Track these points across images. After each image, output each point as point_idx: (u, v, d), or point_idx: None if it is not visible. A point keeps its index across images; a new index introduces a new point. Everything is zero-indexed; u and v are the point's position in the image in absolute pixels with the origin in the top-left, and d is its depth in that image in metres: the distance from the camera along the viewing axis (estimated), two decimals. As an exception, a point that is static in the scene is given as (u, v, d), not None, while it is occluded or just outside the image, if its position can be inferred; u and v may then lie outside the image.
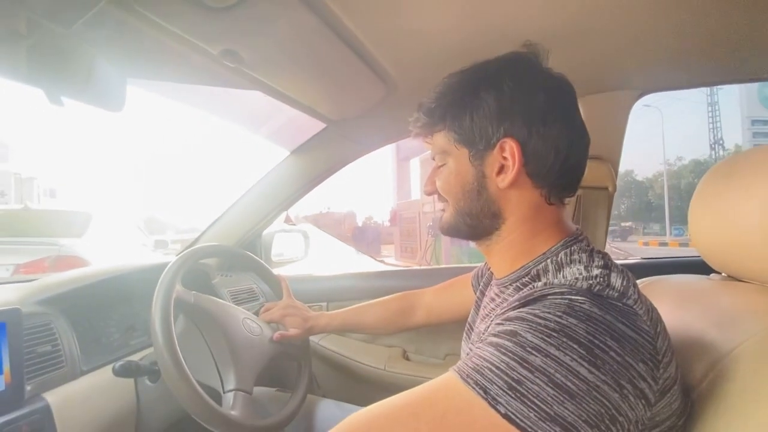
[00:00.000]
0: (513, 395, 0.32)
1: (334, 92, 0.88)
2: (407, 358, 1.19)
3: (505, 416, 0.32)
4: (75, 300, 0.79)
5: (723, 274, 0.57)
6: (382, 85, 0.84)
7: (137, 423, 0.78)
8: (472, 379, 0.34)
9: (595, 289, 0.38)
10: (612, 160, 1.02)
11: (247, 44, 0.64)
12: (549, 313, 0.36)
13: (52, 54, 0.51)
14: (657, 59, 0.81)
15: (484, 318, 0.54)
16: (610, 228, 1.11)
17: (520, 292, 0.43)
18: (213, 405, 0.63)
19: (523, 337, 0.35)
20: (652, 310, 0.40)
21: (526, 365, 0.33)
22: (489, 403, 0.33)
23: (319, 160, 1.17)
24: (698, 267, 0.62)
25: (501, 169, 0.47)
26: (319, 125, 1.08)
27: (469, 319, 0.63)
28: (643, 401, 0.34)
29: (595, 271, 0.41)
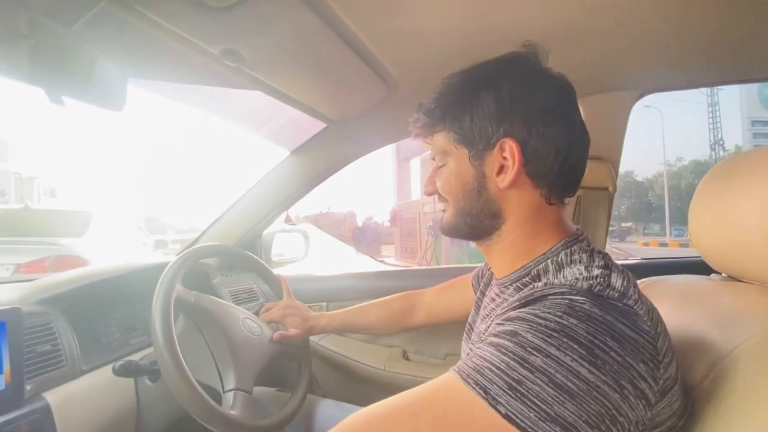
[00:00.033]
0: (513, 395, 0.32)
1: (335, 92, 0.88)
2: (407, 358, 1.19)
3: (506, 416, 0.32)
4: (75, 300, 0.79)
5: (723, 274, 0.57)
6: (383, 85, 0.84)
7: (137, 423, 0.78)
8: (472, 379, 0.34)
9: (596, 290, 0.38)
10: (612, 161, 1.02)
11: (247, 44, 0.65)
12: (549, 313, 0.36)
13: (53, 53, 0.51)
14: (657, 60, 0.81)
15: (485, 318, 0.54)
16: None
17: (521, 292, 0.43)
18: (213, 405, 0.63)
19: (523, 337, 0.35)
20: (652, 311, 0.40)
21: (527, 365, 0.33)
22: (489, 403, 0.33)
23: (320, 160, 1.17)
24: (698, 267, 0.62)
25: (501, 169, 0.47)
26: (319, 125, 1.08)
27: (469, 320, 0.63)
28: (643, 401, 0.34)
29: (596, 272, 0.41)
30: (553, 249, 0.47)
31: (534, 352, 0.33)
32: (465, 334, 0.62)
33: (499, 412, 0.32)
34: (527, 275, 0.47)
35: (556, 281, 0.42)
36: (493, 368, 0.34)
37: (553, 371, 0.32)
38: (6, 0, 0.45)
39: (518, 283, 0.48)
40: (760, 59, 0.82)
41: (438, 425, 0.34)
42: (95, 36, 0.56)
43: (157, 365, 0.68)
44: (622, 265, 0.43)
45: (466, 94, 0.48)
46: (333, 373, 1.24)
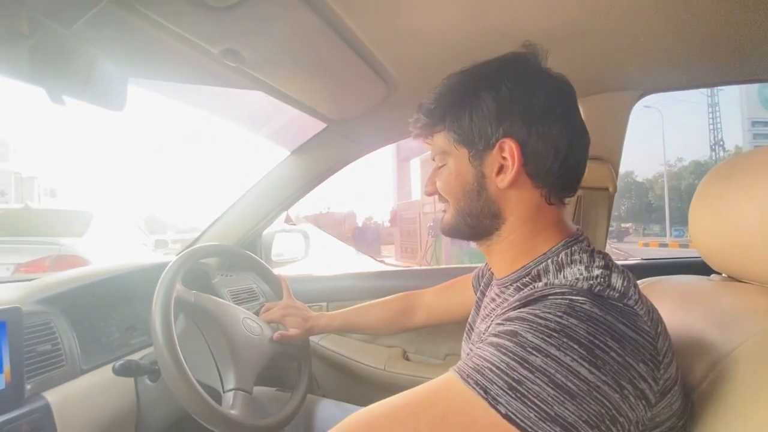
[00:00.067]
0: (513, 395, 0.32)
1: (335, 92, 0.88)
2: (407, 359, 1.19)
3: (506, 416, 0.32)
4: (75, 299, 0.79)
5: (723, 274, 0.57)
6: (383, 85, 0.84)
7: (137, 422, 0.78)
8: (472, 379, 0.34)
9: (596, 290, 0.38)
10: (612, 161, 1.02)
11: (248, 44, 0.65)
12: (549, 313, 0.36)
13: (53, 53, 0.51)
14: (657, 60, 0.81)
15: (485, 318, 0.54)
16: (606, 229, 1.10)
17: (521, 293, 0.43)
18: (213, 404, 0.63)
19: (523, 337, 0.35)
20: (652, 311, 0.40)
21: (527, 365, 0.33)
22: (489, 403, 0.33)
23: (320, 160, 1.17)
24: (698, 268, 0.62)
25: (500, 169, 0.47)
26: (319, 125, 1.08)
27: (469, 320, 0.63)
28: (643, 402, 0.34)
29: (596, 272, 0.41)
30: (554, 249, 0.47)
31: (534, 352, 0.33)
32: (465, 335, 0.62)
33: (499, 412, 0.32)
34: (527, 275, 0.47)
35: (556, 281, 0.42)
36: (493, 368, 0.34)
37: (553, 371, 0.32)
38: (6, 0, 0.45)
39: (518, 283, 0.48)
40: (760, 59, 0.82)
41: (438, 425, 0.34)
42: (96, 36, 0.56)
43: (157, 365, 0.68)
44: (623, 266, 0.43)
45: (465, 95, 0.48)
46: (333, 373, 1.24)
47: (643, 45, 0.74)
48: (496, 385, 0.33)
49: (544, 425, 0.31)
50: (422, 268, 1.69)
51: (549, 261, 0.46)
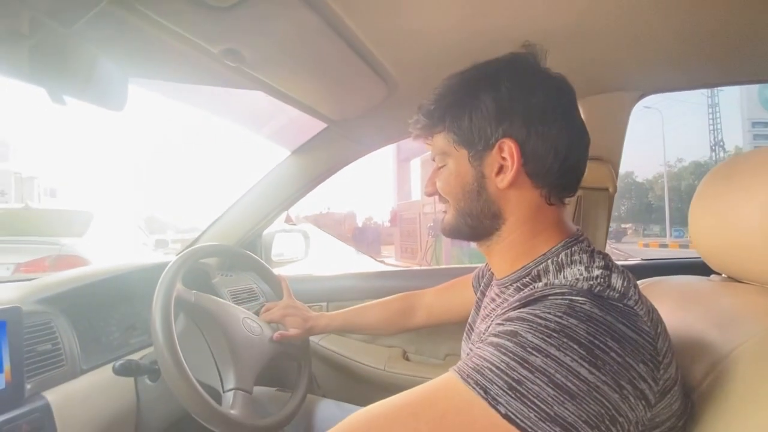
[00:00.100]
0: (513, 395, 0.32)
1: (335, 92, 0.88)
2: (407, 359, 1.19)
3: (506, 416, 0.32)
4: (75, 299, 0.79)
5: (723, 275, 0.57)
6: (383, 85, 0.84)
7: (137, 422, 0.78)
8: (472, 379, 0.34)
9: (596, 290, 0.38)
10: (612, 161, 1.02)
11: (248, 44, 0.65)
12: (549, 313, 0.36)
13: (54, 53, 0.51)
14: (658, 60, 0.81)
15: (485, 318, 0.54)
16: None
17: (521, 293, 0.43)
18: (213, 404, 0.63)
19: (523, 337, 0.35)
20: (652, 311, 0.40)
21: (527, 365, 0.33)
22: (489, 403, 0.33)
23: (320, 160, 1.17)
24: (698, 268, 0.62)
25: (500, 170, 0.47)
26: (319, 125, 1.08)
27: (469, 320, 0.63)
28: (643, 402, 0.34)
29: (596, 272, 0.41)
30: (554, 249, 0.47)
31: (534, 353, 0.33)
32: (465, 335, 0.62)
33: (499, 412, 0.32)
34: (527, 275, 0.47)
35: (556, 281, 0.42)
36: (493, 368, 0.34)
37: (553, 371, 0.32)
38: None
39: (518, 284, 0.48)
40: (760, 60, 0.82)
41: (438, 425, 0.34)
42: (96, 36, 0.56)
43: (157, 365, 0.68)
44: (623, 266, 0.43)
45: (465, 95, 0.48)
46: (333, 373, 1.24)
47: (643, 45, 0.74)
48: (496, 385, 0.33)
49: (544, 425, 0.31)
50: (422, 268, 1.70)
51: (549, 261, 0.46)
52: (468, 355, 0.38)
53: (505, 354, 0.34)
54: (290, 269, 1.41)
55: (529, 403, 0.32)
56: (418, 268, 1.77)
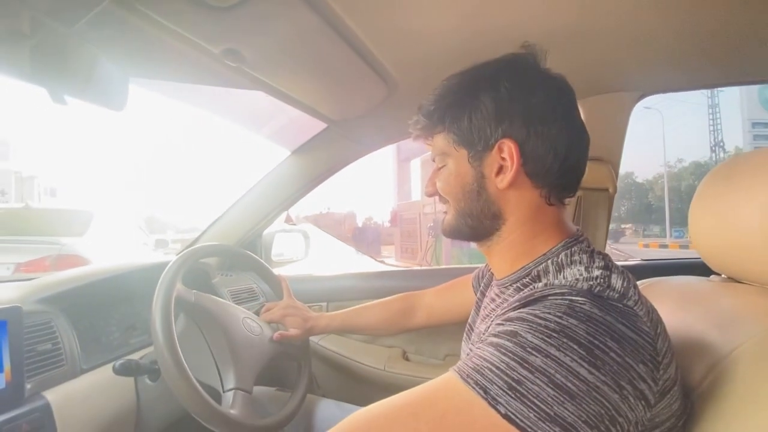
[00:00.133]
0: (513, 395, 0.32)
1: (336, 92, 0.89)
2: (407, 359, 1.19)
3: (505, 416, 0.32)
4: (75, 299, 0.79)
5: (723, 275, 0.57)
6: (383, 85, 0.84)
7: (137, 422, 0.78)
8: (472, 379, 0.34)
9: (596, 290, 0.38)
10: (612, 162, 1.02)
11: (248, 44, 0.65)
12: (549, 313, 0.36)
13: (54, 53, 0.51)
14: (658, 61, 0.81)
15: (485, 318, 0.54)
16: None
17: (521, 293, 0.43)
18: (213, 404, 0.63)
19: (523, 337, 0.35)
20: (652, 312, 0.40)
21: (527, 365, 0.33)
22: (489, 403, 0.33)
23: (320, 160, 1.17)
24: (698, 268, 0.62)
25: (500, 170, 0.47)
26: (320, 125, 1.08)
27: (469, 320, 0.63)
28: (642, 402, 0.34)
29: (596, 272, 0.41)
30: (554, 250, 0.47)
31: (534, 353, 0.33)
32: (465, 335, 0.62)
33: (499, 412, 0.32)
34: (527, 276, 0.47)
35: (556, 282, 0.42)
36: (493, 368, 0.34)
37: (552, 371, 0.32)
38: None
39: (518, 284, 0.48)
40: (760, 61, 0.82)
41: (438, 425, 0.34)
42: (97, 35, 0.57)
43: (157, 364, 0.68)
44: (622, 266, 0.43)
45: (465, 96, 0.48)
46: (333, 373, 1.24)
47: (644, 46, 0.74)
48: (496, 385, 0.33)
49: (544, 425, 0.31)
50: (422, 268, 1.70)
51: (549, 261, 0.46)
52: (468, 355, 0.38)
53: (505, 354, 0.34)
54: (290, 269, 1.41)
55: (528, 403, 0.32)
56: (418, 268, 1.77)
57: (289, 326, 0.87)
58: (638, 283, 0.48)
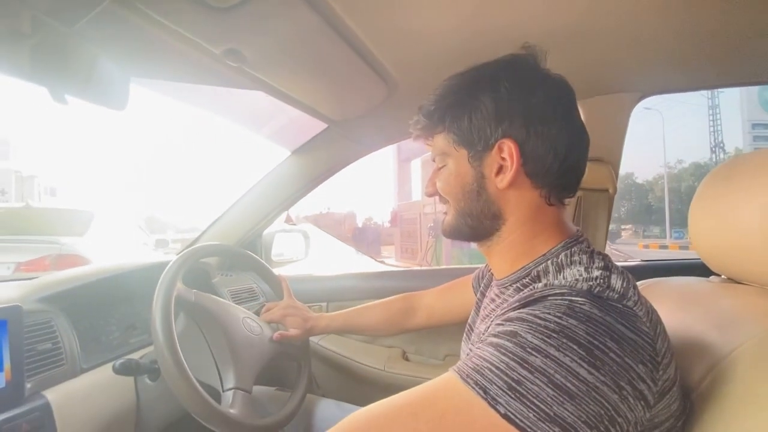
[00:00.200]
0: (513, 395, 0.32)
1: (336, 92, 0.89)
2: (407, 359, 1.20)
3: (505, 416, 0.32)
4: (76, 298, 0.79)
5: (723, 276, 0.57)
6: (384, 85, 0.84)
7: (137, 421, 0.78)
8: (472, 379, 0.34)
9: (596, 291, 0.38)
10: (612, 162, 1.02)
11: (249, 44, 0.65)
12: (549, 314, 0.36)
13: (55, 52, 0.51)
14: (658, 62, 0.82)
15: (485, 318, 0.54)
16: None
17: (521, 293, 0.43)
18: (212, 403, 0.63)
19: (523, 337, 0.35)
20: (651, 312, 0.40)
21: (526, 366, 0.33)
22: (489, 403, 0.33)
23: (320, 160, 1.17)
24: (698, 269, 0.62)
25: (500, 170, 0.47)
26: (320, 125, 1.08)
27: (469, 320, 0.63)
28: (642, 402, 0.34)
29: (596, 273, 0.41)
30: (553, 250, 0.47)
31: (534, 353, 0.33)
32: (465, 335, 0.62)
33: (499, 412, 0.32)
34: (527, 276, 0.47)
35: (556, 282, 0.42)
36: (493, 368, 0.34)
37: (552, 372, 0.32)
38: None
39: (518, 284, 0.48)
40: (760, 61, 0.82)
41: (437, 425, 0.34)
42: (97, 35, 0.57)
43: (157, 364, 0.68)
44: (622, 267, 0.43)
45: (465, 96, 0.48)
46: (333, 373, 1.24)
47: (644, 47, 0.75)
48: (496, 385, 0.33)
49: (543, 425, 0.31)
50: (423, 268, 1.70)
51: (549, 262, 0.46)
52: (468, 355, 0.38)
53: (504, 354, 0.34)
54: (290, 269, 1.41)
55: (528, 403, 0.32)
56: (419, 268, 1.77)
57: (289, 326, 0.87)
58: (638, 283, 0.48)
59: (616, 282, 0.40)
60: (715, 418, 0.38)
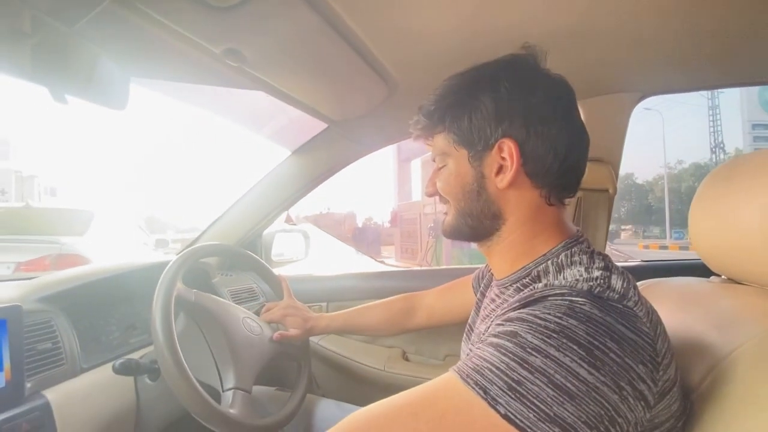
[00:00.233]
0: (513, 396, 0.32)
1: (336, 92, 0.89)
2: (407, 359, 1.19)
3: (505, 416, 0.32)
4: (76, 298, 0.79)
5: (723, 276, 0.57)
6: (384, 85, 0.84)
7: (137, 421, 0.78)
8: (472, 379, 0.34)
9: (596, 291, 0.38)
10: (613, 163, 1.02)
11: (249, 43, 0.65)
12: (549, 314, 0.36)
13: (56, 52, 0.51)
14: (658, 62, 0.82)
15: (485, 319, 0.54)
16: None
17: (521, 293, 0.43)
18: (212, 403, 0.63)
19: (523, 337, 0.35)
20: (652, 312, 0.40)
21: (526, 366, 0.33)
22: (489, 403, 0.33)
23: (321, 160, 1.17)
24: (698, 270, 0.62)
25: (500, 170, 0.47)
26: (320, 125, 1.08)
27: (469, 321, 0.63)
28: (642, 403, 0.34)
29: (596, 273, 0.41)
30: (554, 250, 0.47)
31: (534, 353, 0.33)
32: (465, 335, 0.62)
33: (499, 412, 0.32)
34: (527, 276, 0.47)
35: (556, 282, 0.42)
36: (493, 368, 0.34)
37: (552, 372, 0.32)
38: None
39: (518, 284, 0.48)
40: (761, 62, 0.82)
41: (437, 425, 0.34)
42: (98, 35, 0.57)
43: (157, 364, 0.68)
44: (623, 267, 0.43)
45: (465, 96, 0.48)
46: (333, 373, 1.24)
47: (644, 47, 0.75)
48: (496, 385, 0.33)
49: (543, 425, 0.31)
50: (423, 268, 1.70)
51: (549, 262, 0.46)
52: (468, 355, 0.38)
53: (504, 354, 0.34)
54: (290, 269, 1.41)
55: (528, 404, 0.32)
56: (419, 268, 1.77)
57: (289, 326, 0.87)
58: (638, 284, 0.48)
59: (617, 282, 0.40)
60: (716, 418, 0.38)
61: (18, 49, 0.48)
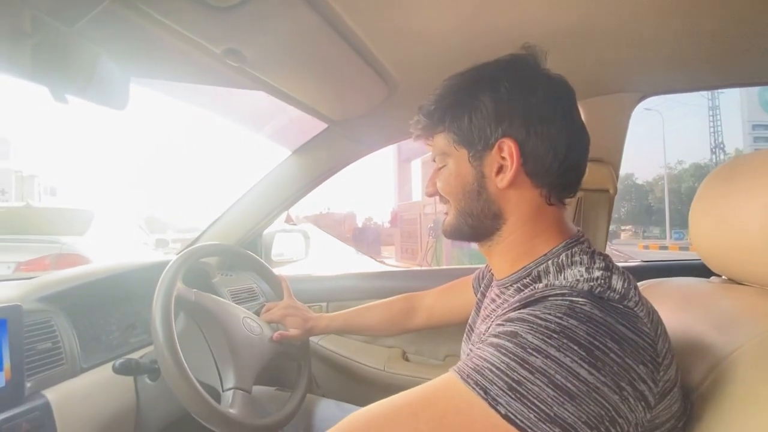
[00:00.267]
0: (513, 396, 0.32)
1: (336, 92, 0.89)
2: (407, 359, 1.19)
3: (505, 417, 0.32)
4: (76, 298, 0.79)
5: (723, 277, 0.57)
6: (384, 85, 0.84)
7: (137, 421, 0.78)
8: (472, 379, 0.34)
9: (596, 291, 0.38)
10: (613, 163, 1.02)
11: (249, 43, 0.65)
12: (550, 314, 0.36)
13: (56, 52, 0.51)
14: (659, 62, 0.82)
15: (485, 319, 0.54)
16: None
17: (521, 293, 0.43)
18: (212, 403, 0.63)
19: (523, 338, 0.35)
20: (652, 313, 0.40)
21: (527, 366, 0.33)
22: (489, 403, 0.33)
23: (321, 160, 1.17)
24: (699, 270, 0.62)
25: (500, 169, 0.47)
26: (320, 125, 1.08)
27: (469, 321, 0.63)
28: (642, 403, 0.34)
29: (596, 273, 0.41)
30: (554, 250, 0.47)
31: (534, 353, 0.33)
32: (465, 335, 0.62)
33: (499, 412, 0.32)
34: (528, 276, 0.47)
35: (556, 282, 0.42)
36: (494, 369, 0.34)
37: (553, 372, 0.32)
38: None
39: (519, 284, 0.48)
40: (761, 62, 0.82)
41: (438, 425, 0.34)
42: (98, 34, 0.57)
43: (157, 364, 0.68)
44: (623, 267, 0.43)
45: (465, 96, 0.48)
46: (333, 373, 1.24)
47: (644, 47, 0.75)
48: (496, 385, 0.33)
49: (544, 426, 0.31)
50: (423, 268, 1.70)
51: (549, 262, 0.46)
52: (468, 355, 0.38)
53: (505, 354, 0.34)
54: (290, 269, 1.41)
55: (528, 404, 0.32)
56: (419, 268, 1.77)
57: (289, 326, 0.87)
58: (639, 284, 0.48)
59: (617, 283, 0.40)
60: (716, 418, 0.38)
61: (18, 48, 0.48)
